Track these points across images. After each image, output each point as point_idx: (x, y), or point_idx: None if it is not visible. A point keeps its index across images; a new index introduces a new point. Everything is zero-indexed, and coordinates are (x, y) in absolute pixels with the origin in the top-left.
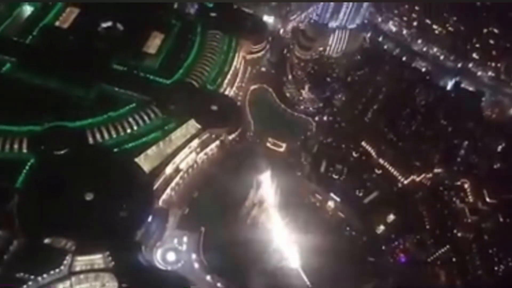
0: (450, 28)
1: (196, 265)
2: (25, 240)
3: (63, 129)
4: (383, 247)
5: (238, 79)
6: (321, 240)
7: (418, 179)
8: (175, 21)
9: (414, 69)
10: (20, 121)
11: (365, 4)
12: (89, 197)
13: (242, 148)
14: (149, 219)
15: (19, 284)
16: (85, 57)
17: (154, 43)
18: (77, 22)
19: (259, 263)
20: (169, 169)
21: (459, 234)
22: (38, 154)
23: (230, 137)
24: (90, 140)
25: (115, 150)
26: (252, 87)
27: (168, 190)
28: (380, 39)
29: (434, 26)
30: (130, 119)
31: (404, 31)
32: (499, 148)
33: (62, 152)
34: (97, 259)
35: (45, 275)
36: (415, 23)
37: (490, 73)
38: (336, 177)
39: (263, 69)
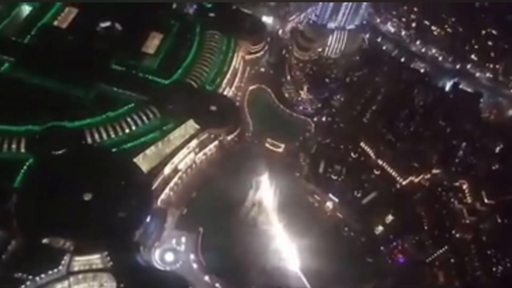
0: (448, 29)
1: (195, 266)
2: (23, 240)
3: (61, 129)
4: (382, 248)
5: (237, 80)
6: (319, 241)
7: (416, 179)
8: (174, 21)
9: (412, 70)
10: (18, 121)
11: (364, 5)
12: (87, 197)
13: (241, 149)
14: (148, 219)
15: (17, 284)
16: (83, 57)
17: (153, 43)
18: (76, 22)
19: (258, 263)
20: (167, 169)
21: (457, 235)
22: (37, 154)
23: (229, 138)
24: (89, 140)
25: (114, 150)
26: (251, 88)
27: (166, 190)
28: (379, 40)
29: (433, 27)
30: (129, 119)
31: (403, 32)
32: (497, 149)
33: (60, 152)
34: (95, 259)
35: (43, 275)
36: (413, 24)
37: (488, 74)
38: (334, 177)
39: (262, 69)
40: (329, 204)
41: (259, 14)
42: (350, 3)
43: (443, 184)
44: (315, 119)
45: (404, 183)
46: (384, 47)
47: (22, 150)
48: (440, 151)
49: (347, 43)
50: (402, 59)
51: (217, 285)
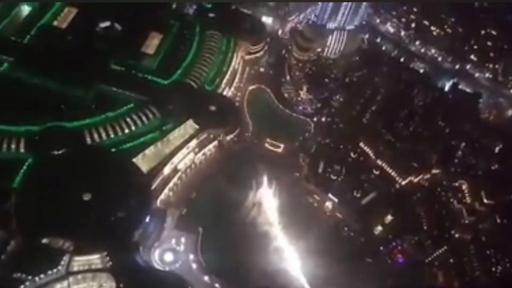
0: (448, 30)
1: (194, 266)
2: (23, 240)
3: (61, 129)
4: (381, 248)
5: (236, 80)
6: (319, 241)
7: (416, 180)
8: (174, 21)
9: (412, 70)
10: (18, 121)
11: (363, 5)
12: (86, 197)
13: (240, 149)
14: (147, 219)
15: (17, 284)
16: (83, 57)
17: (152, 43)
18: (75, 22)
19: (257, 263)
20: (167, 170)
21: (456, 235)
22: (36, 154)
23: (228, 138)
24: (88, 140)
25: (113, 150)
26: (250, 88)
27: (166, 191)
28: (378, 40)
29: (432, 28)
30: (128, 119)
31: (402, 33)
32: (497, 149)
33: (60, 152)
34: (95, 259)
35: (42, 275)
36: (413, 25)
37: (487, 75)
38: (334, 177)
39: (262, 69)
40: (328, 204)
41: (258, 14)
42: (350, 4)
43: (443, 184)
44: (315, 119)
45: (403, 183)
46: (383, 48)
47: (22, 150)
48: (439, 151)
49: (347, 43)
50: (402, 59)
51: (216, 285)
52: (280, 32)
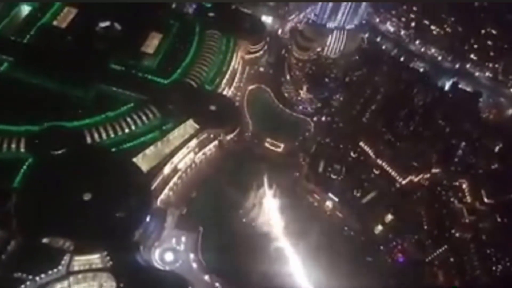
0: (448, 29)
1: (194, 265)
2: (23, 240)
3: (61, 129)
4: (381, 247)
5: (236, 79)
6: (319, 240)
7: (416, 179)
8: (174, 21)
9: (412, 69)
10: (18, 121)
11: (363, 5)
12: (87, 197)
13: (241, 149)
14: (147, 219)
15: (17, 284)
16: (83, 57)
17: (152, 43)
18: (75, 22)
19: (258, 263)
20: (167, 169)
21: (457, 234)
22: (36, 154)
23: (228, 137)
24: (88, 140)
25: (113, 150)
26: (250, 87)
27: (166, 190)
28: (378, 39)
29: (432, 27)
30: (128, 119)
31: (402, 32)
32: (497, 148)
33: (60, 152)
34: (95, 259)
35: (43, 275)
36: (413, 24)
37: (488, 74)
38: (334, 177)
39: (261, 69)
40: (328, 204)
41: (258, 13)
42: (349, 3)
43: (443, 183)
44: (315, 118)
45: (403, 182)
46: (383, 47)
47: (22, 150)
48: (439, 151)
49: (347, 43)
50: (402, 59)
51: (217, 284)
52: (280, 31)
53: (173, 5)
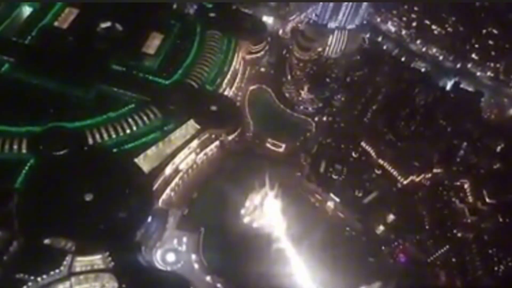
0: (449, 29)
1: (196, 266)
2: (25, 241)
3: (62, 129)
4: (383, 248)
5: (237, 80)
6: (320, 241)
7: (417, 179)
8: (175, 22)
9: (413, 69)
10: (19, 122)
11: (364, 5)
12: (88, 197)
13: (242, 149)
14: (149, 219)
15: (19, 284)
16: (84, 57)
17: (153, 43)
18: (76, 23)
19: (259, 263)
20: (168, 170)
21: (458, 235)
22: (38, 155)
23: (230, 138)
24: (90, 141)
25: (115, 150)
26: (252, 88)
27: (167, 191)
28: (379, 39)
29: (433, 27)
30: (130, 120)
31: (403, 32)
32: (499, 148)
33: (61, 152)
34: (97, 259)
35: (44, 276)
36: (414, 24)
37: (489, 74)
38: (335, 177)
39: (263, 69)
40: (330, 204)
41: (259, 14)
42: (350, 3)
43: (444, 183)
44: (316, 118)
45: (405, 182)
46: (384, 47)
47: (24, 150)
48: (441, 151)
49: (348, 43)
50: (403, 59)
51: (218, 285)
52: (281, 31)
53: (174, 6)
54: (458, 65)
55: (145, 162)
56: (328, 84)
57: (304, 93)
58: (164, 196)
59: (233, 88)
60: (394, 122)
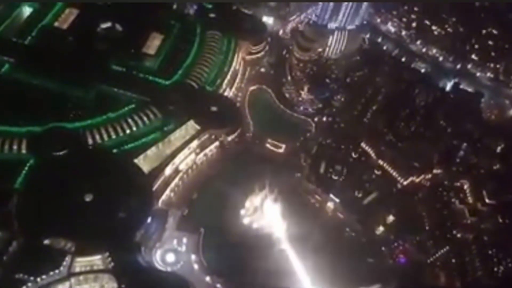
0: (449, 29)
1: (196, 266)
2: (25, 241)
3: (62, 130)
4: (383, 248)
5: (237, 80)
6: (320, 241)
7: (417, 180)
8: (175, 22)
9: (413, 70)
10: (19, 122)
11: (364, 5)
12: (88, 198)
13: (242, 149)
14: (149, 220)
15: (19, 285)
16: (84, 58)
17: (153, 44)
18: (76, 23)
19: (259, 264)
20: (168, 170)
21: (458, 235)
22: (38, 155)
23: (229, 138)
24: (90, 141)
25: (115, 151)
26: (252, 88)
27: (167, 191)
28: (379, 40)
29: (433, 27)
30: (130, 120)
31: (403, 32)
32: (499, 149)
33: (61, 153)
34: (97, 260)
35: (44, 276)
36: (414, 24)
37: (489, 74)
38: (335, 178)
39: (263, 70)
40: (330, 205)
41: (259, 14)
42: (350, 3)
43: (444, 184)
44: (316, 119)
45: (405, 183)
46: (384, 47)
47: (23, 151)
48: (441, 151)
49: (348, 43)
50: (403, 59)
51: (218, 285)
52: (281, 32)
53: (174, 6)
54: (458, 66)
55: (145, 162)
56: (328, 85)
57: (304, 94)
58: (164, 197)
59: (233, 89)
60: (394, 122)
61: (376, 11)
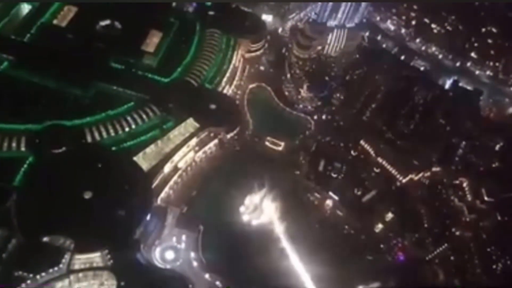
0: (448, 27)
1: (195, 264)
2: (24, 239)
3: (61, 127)
4: (382, 246)
5: (236, 78)
6: (319, 239)
7: (416, 177)
8: (174, 20)
9: (412, 68)
10: (18, 120)
11: (363, 3)
12: (87, 195)
13: (241, 147)
14: (148, 217)
15: (18, 282)
16: (83, 55)
17: (152, 41)
18: (75, 21)
19: (258, 261)
20: (167, 168)
21: (457, 233)
22: (37, 153)
23: (229, 136)
24: (89, 139)
25: (114, 148)
26: (251, 86)
27: (166, 189)
28: (379, 38)
29: (433, 25)
30: (129, 118)
31: (403, 30)
32: (497, 147)
33: (60, 150)
34: (96, 257)
35: (43, 274)
36: (413, 22)
37: (488, 72)
38: (334, 175)
39: (262, 68)
40: (329, 202)
41: (259, 12)
42: (350, 2)
43: (443, 182)
44: (315, 117)
45: (404, 181)
46: (384, 45)
47: (22, 148)
48: (440, 149)
49: (347, 41)
50: (402, 57)
51: (217, 283)
52: (280, 30)
53: (173, 4)
54: (458, 64)
55: (144, 160)
56: (328, 83)
57: (303, 92)
58: (163, 194)
59: (233, 87)
60: (393, 120)
61: (376, 9)
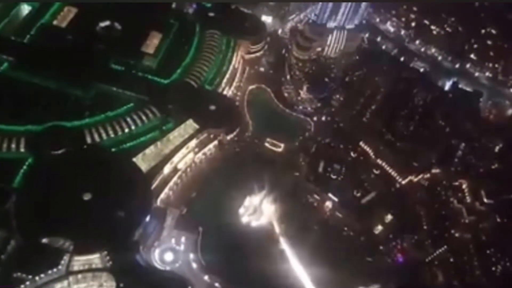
0: (448, 29)
1: (194, 265)
2: (23, 240)
3: (61, 128)
4: (381, 247)
5: (236, 79)
6: (319, 240)
7: (415, 179)
8: (173, 21)
9: (412, 69)
10: (18, 121)
11: (363, 5)
12: (87, 197)
13: (240, 148)
14: (147, 219)
15: (17, 283)
16: (83, 56)
17: (152, 42)
18: (75, 22)
19: (258, 263)
20: (167, 169)
21: (456, 235)
22: (36, 154)
23: (228, 137)
24: (88, 140)
25: (113, 149)
26: (251, 87)
27: (166, 190)
28: (378, 39)
29: (432, 27)
30: (128, 119)
31: (402, 32)
32: (497, 148)
33: (60, 151)
34: (95, 259)
35: (42, 275)
36: (413, 24)
37: (488, 74)
38: (334, 177)
39: (262, 69)
40: (328, 204)
41: (258, 13)
42: (349, 3)
43: (443, 183)
44: (315, 118)
45: (403, 182)
46: (383, 47)
47: (22, 149)
48: (439, 151)
49: (347, 43)
50: (402, 59)
51: (216, 284)
52: (280, 31)
53: (173, 5)
54: (457, 65)
55: (143, 161)
56: (327, 84)
57: (303, 93)
58: (162, 195)
59: (232, 88)
60: (393, 122)
61: (375, 10)
